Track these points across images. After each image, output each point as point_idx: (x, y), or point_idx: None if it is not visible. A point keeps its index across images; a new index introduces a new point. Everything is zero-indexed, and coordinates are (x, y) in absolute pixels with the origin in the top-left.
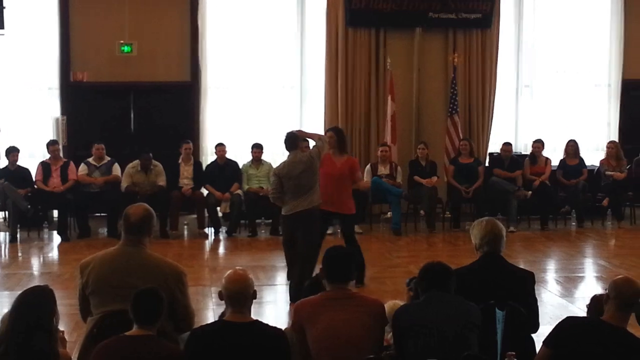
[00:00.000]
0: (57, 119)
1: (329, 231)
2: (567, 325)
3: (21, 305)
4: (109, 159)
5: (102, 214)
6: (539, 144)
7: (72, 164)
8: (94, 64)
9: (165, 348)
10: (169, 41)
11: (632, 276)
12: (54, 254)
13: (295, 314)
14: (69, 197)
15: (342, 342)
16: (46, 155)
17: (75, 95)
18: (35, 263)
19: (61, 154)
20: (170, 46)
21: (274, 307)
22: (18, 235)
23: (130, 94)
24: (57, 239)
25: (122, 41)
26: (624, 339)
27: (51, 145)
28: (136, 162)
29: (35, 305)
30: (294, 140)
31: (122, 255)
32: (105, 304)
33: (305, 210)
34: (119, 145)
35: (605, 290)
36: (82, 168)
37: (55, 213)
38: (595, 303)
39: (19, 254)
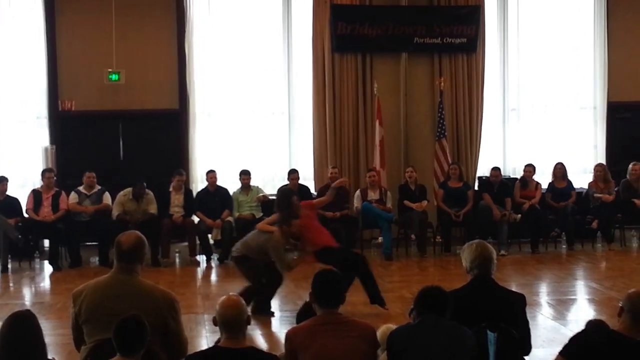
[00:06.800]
0: (46, 148)
1: None
2: (583, 336)
3: (10, 335)
4: (99, 187)
5: (93, 243)
6: (530, 168)
7: (63, 193)
8: (82, 92)
9: None
10: (157, 69)
11: None
12: (45, 283)
13: (288, 340)
14: (60, 227)
15: None
16: (36, 185)
17: (64, 124)
18: (27, 293)
19: None
20: (158, 74)
21: (267, 333)
22: (9, 266)
23: (119, 122)
24: (48, 268)
25: (109, 69)
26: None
27: (47, 172)
28: (128, 190)
29: (25, 334)
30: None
31: (115, 283)
32: (99, 333)
33: None
34: (109, 174)
35: (620, 304)
36: (73, 197)
37: (47, 242)
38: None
39: (11, 284)
